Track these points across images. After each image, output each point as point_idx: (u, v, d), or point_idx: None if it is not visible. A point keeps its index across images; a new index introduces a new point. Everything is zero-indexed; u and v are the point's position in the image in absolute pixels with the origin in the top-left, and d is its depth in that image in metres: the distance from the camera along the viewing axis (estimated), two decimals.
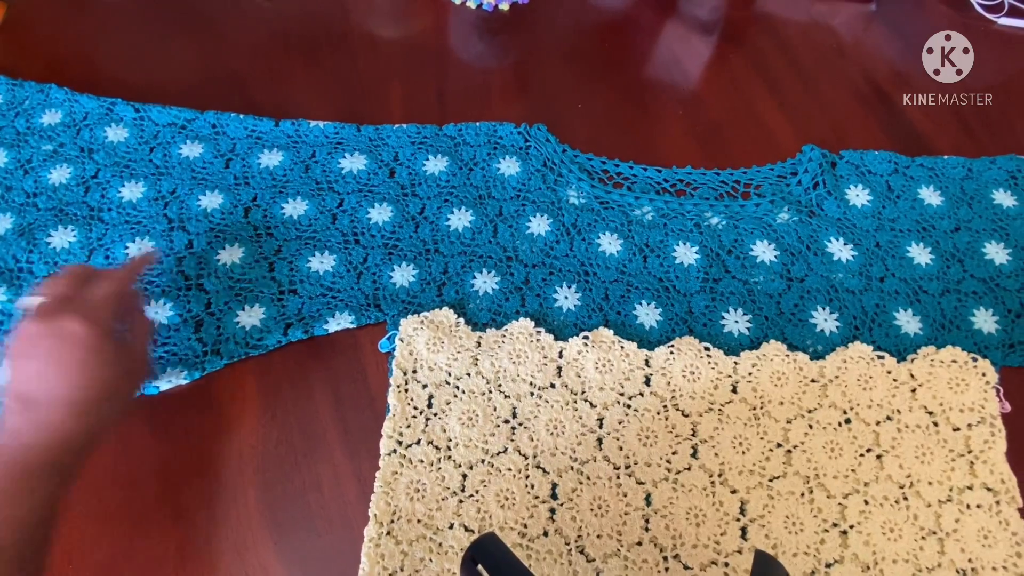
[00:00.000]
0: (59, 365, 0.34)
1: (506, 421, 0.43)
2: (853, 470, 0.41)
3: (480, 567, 0.27)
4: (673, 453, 0.42)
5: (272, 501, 0.41)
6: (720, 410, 0.43)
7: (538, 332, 0.45)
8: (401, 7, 0.67)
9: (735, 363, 0.44)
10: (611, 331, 0.45)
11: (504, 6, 0.62)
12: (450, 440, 0.42)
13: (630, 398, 0.43)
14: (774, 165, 0.55)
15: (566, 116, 0.58)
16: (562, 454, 0.42)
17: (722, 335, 0.46)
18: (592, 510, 0.40)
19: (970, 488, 0.41)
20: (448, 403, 0.43)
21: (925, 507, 0.40)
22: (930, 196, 0.53)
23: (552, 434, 0.42)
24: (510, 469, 0.41)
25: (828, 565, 0.39)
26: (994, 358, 0.45)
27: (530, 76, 0.62)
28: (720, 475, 0.41)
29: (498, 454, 0.42)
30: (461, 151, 0.55)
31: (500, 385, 0.43)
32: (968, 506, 0.40)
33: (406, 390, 0.43)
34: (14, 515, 0.32)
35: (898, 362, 0.44)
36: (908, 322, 0.47)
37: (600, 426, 0.43)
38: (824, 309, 0.47)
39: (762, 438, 0.42)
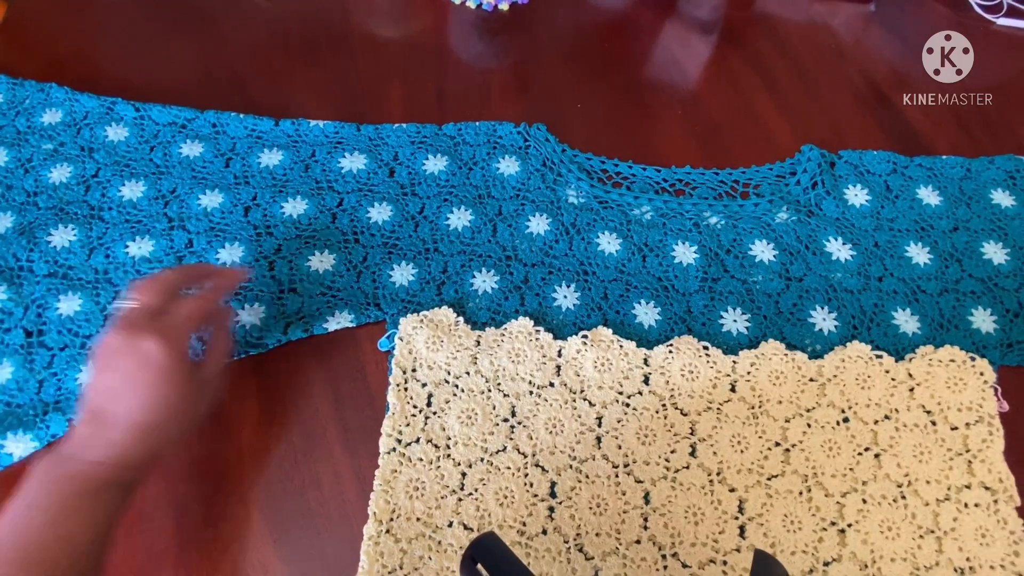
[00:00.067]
0: (132, 384, 0.34)
1: (505, 420, 0.43)
2: (851, 469, 0.41)
3: (480, 566, 0.27)
4: (672, 452, 0.42)
5: (272, 499, 0.41)
6: (719, 409, 0.43)
7: (537, 331, 0.45)
8: (401, 7, 0.67)
9: (734, 362, 0.44)
10: (610, 330, 0.45)
11: (504, 6, 0.62)
12: (449, 439, 0.42)
13: (629, 397, 0.43)
14: (773, 165, 0.55)
15: (565, 116, 0.58)
16: (561, 452, 0.42)
17: (721, 334, 0.47)
18: (591, 508, 0.40)
19: (968, 487, 0.41)
20: (447, 402, 0.43)
21: (923, 506, 0.40)
22: (929, 196, 0.53)
23: (551, 433, 0.42)
24: (509, 467, 0.41)
25: (826, 564, 0.39)
26: (992, 357, 0.45)
27: (530, 76, 0.62)
28: (718, 474, 0.41)
29: (497, 452, 0.42)
30: (461, 150, 0.55)
31: (499, 384, 0.44)
32: (966, 505, 0.40)
33: (405, 389, 0.43)
34: (73, 531, 0.32)
35: (896, 361, 0.44)
36: (906, 321, 0.47)
37: (599, 425, 0.43)
38: (823, 308, 0.47)
39: (760, 437, 0.42)
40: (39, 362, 0.44)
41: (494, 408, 0.43)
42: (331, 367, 0.46)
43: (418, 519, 0.40)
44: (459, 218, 0.51)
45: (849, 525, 0.40)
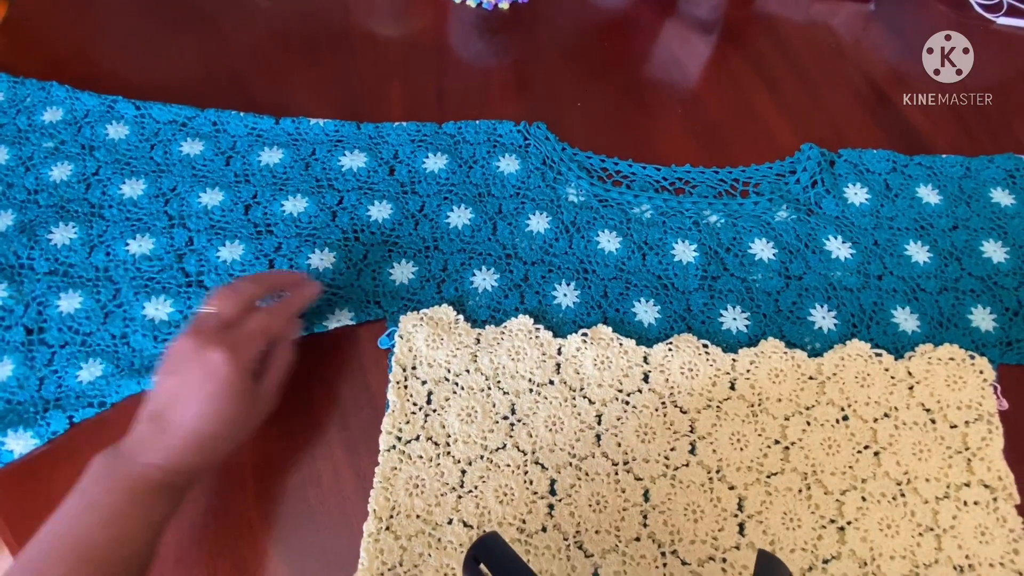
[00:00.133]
0: (195, 393, 0.35)
1: (505, 417, 0.43)
2: (851, 467, 0.41)
3: (482, 566, 0.27)
4: (671, 449, 0.42)
5: (271, 496, 0.41)
6: (718, 407, 0.43)
7: (537, 329, 0.45)
8: (401, 6, 0.67)
9: (733, 360, 0.44)
10: (610, 328, 0.45)
11: (504, 5, 0.62)
12: (449, 436, 0.42)
13: (628, 395, 0.43)
14: (773, 164, 0.55)
15: (566, 114, 0.58)
16: (560, 450, 0.42)
17: (720, 332, 0.47)
18: (590, 506, 0.40)
19: (967, 485, 0.41)
20: (447, 399, 0.43)
21: (922, 504, 0.40)
22: (928, 195, 0.53)
23: (551, 430, 0.42)
24: (509, 465, 0.41)
25: (825, 561, 0.39)
26: (992, 356, 0.45)
27: (530, 75, 0.62)
28: (718, 471, 0.41)
29: (497, 450, 0.42)
30: (461, 149, 0.55)
31: (499, 382, 0.44)
32: (965, 503, 0.40)
33: (405, 386, 0.43)
34: (127, 532, 0.32)
35: (896, 359, 0.44)
36: (906, 320, 0.47)
37: (599, 422, 0.43)
38: (822, 307, 0.47)
39: (760, 435, 0.42)
40: (39, 359, 0.44)
41: (494, 406, 0.43)
42: (331, 365, 0.46)
43: (418, 516, 0.40)
44: (459, 216, 0.51)
45: (848, 523, 0.40)
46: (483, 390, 0.43)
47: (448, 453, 0.42)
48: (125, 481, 0.33)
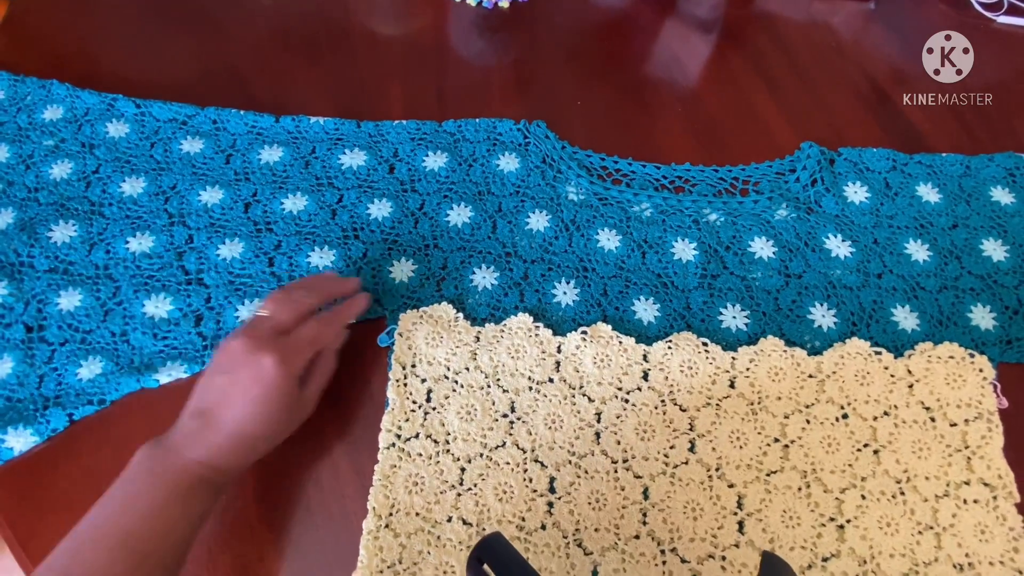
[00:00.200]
0: (243, 394, 0.36)
1: (504, 415, 0.43)
2: (850, 465, 0.41)
3: (486, 567, 0.27)
4: (671, 447, 0.42)
5: (271, 494, 0.41)
6: (718, 405, 0.43)
7: (537, 327, 0.45)
8: (401, 5, 0.67)
9: (733, 358, 0.44)
10: (609, 326, 0.45)
11: (504, 4, 0.62)
12: (448, 434, 0.42)
13: (628, 393, 0.43)
14: (772, 162, 0.55)
15: (565, 113, 0.58)
16: (560, 448, 0.42)
17: (720, 331, 0.47)
18: (590, 504, 0.40)
19: (967, 483, 0.41)
20: (447, 397, 0.43)
21: (922, 502, 0.40)
22: (928, 193, 0.53)
23: (550, 428, 0.42)
24: (508, 463, 0.41)
25: (825, 559, 0.39)
26: (991, 354, 0.45)
27: (530, 73, 0.62)
28: (717, 469, 0.41)
29: (496, 448, 0.42)
30: (461, 147, 0.55)
31: (498, 380, 0.44)
32: (965, 501, 0.40)
33: (405, 384, 0.43)
34: (169, 524, 0.33)
35: (895, 358, 0.44)
36: (905, 318, 0.47)
37: (598, 420, 0.43)
38: (822, 305, 0.47)
39: (759, 433, 0.42)
40: (39, 357, 0.44)
41: (493, 404, 0.43)
42: None
43: (417, 514, 0.40)
44: (459, 214, 0.51)
45: (848, 521, 0.40)
46: (483, 388, 0.43)
47: (447, 451, 0.42)
48: (170, 475, 0.34)
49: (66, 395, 0.43)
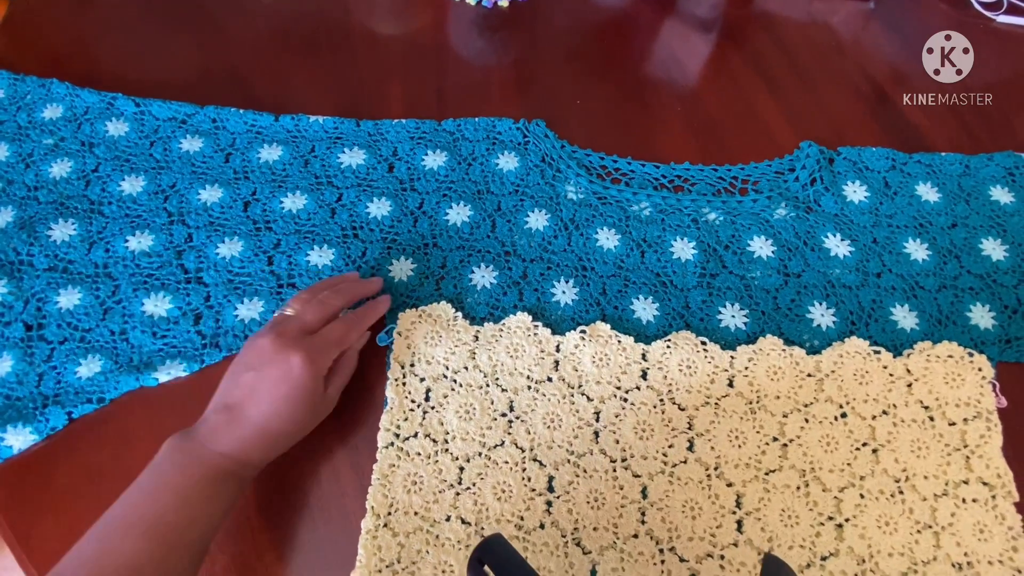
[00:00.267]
0: (270, 391, 0.36)
1: (503, 414, 0.43)
2: (849, 464, 0.41)
3: (487, 568, 0.27)
4: (669, 446, 0.42)
5: (270, 493, 0.41)
6: (716, 404, 0.43)
7: (535, 326, 0.45)
8: (401, 4, 0.67)
9: (731, 357, 0.44)
10: (608, 325, 0.45)
11: (504, 3, 0.62)
12: (447, 433, 0.42)
13: (627, 392, 0.43)
14: (772, 162, 0.55)
15: (565, 112, 0.58)
16: (559, 447, 0.42)
17: (719, 330, 0.47)
18: (588, 503, 0.40)
19: (966, 482, 0.41)
20: (445, 396, 0.43)
21: (921, 501, 0.40)
22: (927, 192, 0.53)
23: (549, 427, 0.42)
24: (507, 462, 0.41)
25: (824, 558, 0.39)
26: (991, 353, 0.45)
27: (529, 72, 0.62)
28: (716, 468, 0.41)
29: (495, 447, 0.42)
30: (460, 146, 0.55)
31: (497, 379, 0.44)
32: (964, 500, 0.40)
33: (404, 383, 0.43)
34: (196, 515, 0.34)
35: (894, 357, 0.44)
36: (904, 317, 0.47)
37: (597, 419, 0.43)
38: (821, 304, 0.47)
39: (758, 432, 0.42)
40: (39, 355, 0.44)
41: (492, 403, 0.43)
42: None
43: (416, 513, 0.40)
44: (458, 214, 0.51)
45: (847, 520, 0.40)
46: (481, 387, 0.43)
47: (446, 450, 0.42)
48: (199, 467, 0.35)
49: (65, 393, 0.43)
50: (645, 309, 0.47)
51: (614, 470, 0.41)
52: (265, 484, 0.41)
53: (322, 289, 0.42)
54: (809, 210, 0.52)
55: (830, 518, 0.40)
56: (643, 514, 0.40)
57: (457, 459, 0.41)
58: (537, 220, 0.51)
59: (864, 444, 0.42)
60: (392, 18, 0.66)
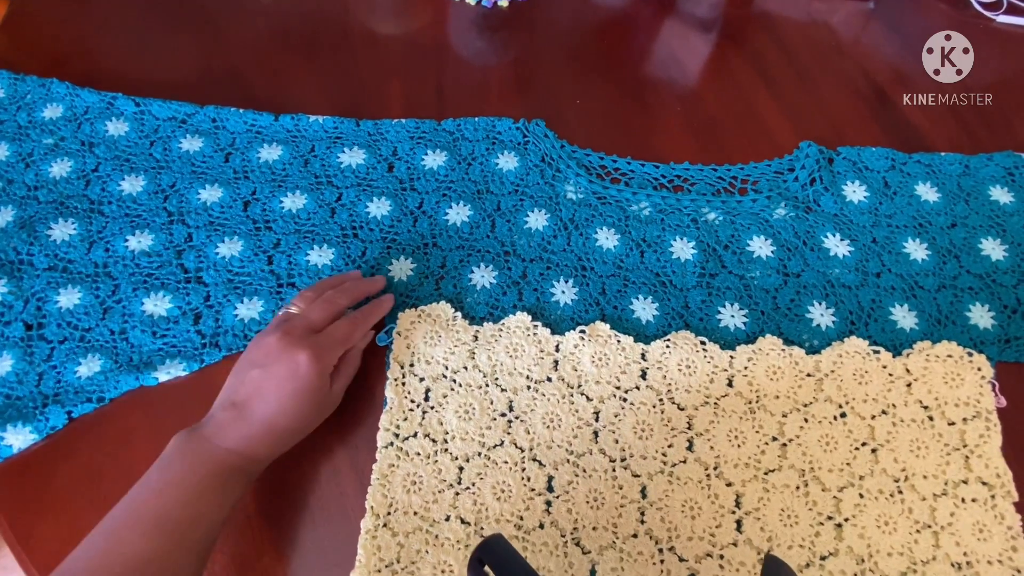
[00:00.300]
0: (278, 389, 0.37)
1: (503, 414, 0.43)
2: (848, 464, 0.41)
3: (487, 568, 0.27)
4: (669, 446, 0.42)
5: (269, 492, 0.41)
6: (716, 404, 0.43)
7: (535, 326, 0.45)
8: (401, 4, 0.67)
9: (731, 357, 0.44)
10: (608, 325, 0.45)
11: (503, 3, 0.62)
12: (447, 433, 0.42)
13: (626, 391, 0.43)
14: (771, 161, 0.55)
15: (565, 112, 0.58)
16: (558, 447, 0.42)
17: (718, 330, 0.47)
18: (588, 502, 0.40)
19: (965, 482, 0.41)
20: (445, 396, 0.43)
21: (920, 501, 0.40)
22: (927, 192, 0.53)
23: (548, 427, 0.42)
24: (506, 462, 0.41)
25: (823, 558, 0.39)
26: (990, 353, 0.45)
27: (529, 72, 0.62)
28: (715, 468, 0.41)
29: (494, 447, 0.42)
30: (460, 146, 0.55)
31: (497, 379, 0.44)
32: (963, 500, 0.40)
33: (403, 383, 0.43)
34: (203, 510, 0.34)
35: (894, 357, 0.44)
36: (904, 317, 0.47)
37: (596, 419, 0.43)
38: (820, 304, 0.47)
39: (757, 432, 0.42)
40: (39, 355, 0.44)
41: (491, 403, 0.43)
42: None
43: (415, 513, 0.40)
44: (458, 213, 0.51)
45: (846, 519, 0.40)
46: (481, 387, 0.43)
47: (446, 450, 0.42)
48: (205, 463, 0.35)
49: (65, 393, 0.43)
50: (644, 309, 0.47)
51: (613, 470, 0.41)
52: (265, 484, 0.41)
53: (326, 288, 0.43)
54: (808, 210, 0.52)
55: (829, 518, 0.40)
56: (642, 514, 0.40)
57: (456, 459, 0.41)
58: (537, 220, 0.51)
59: (863, 444, 0.42)
60: (392, 18, 0.66)
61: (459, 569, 0.38)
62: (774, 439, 0.42)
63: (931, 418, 0.42)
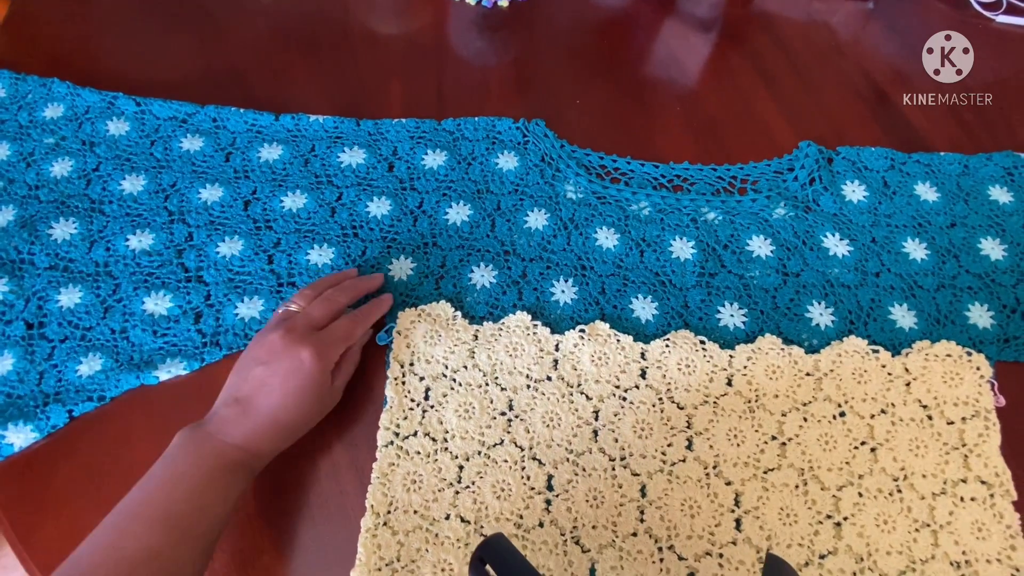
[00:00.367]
0: (281, 385, 0.37)
1: (502, 413, 0.43)
2: (847, 463, 0.41)
3: (488, 567, 0.27)
4: (668, 445, 0.42)
5: (270, 491, 0.42)
6: (715, 403, 0.43)
7: (535, 325, 0.45)
8: (401, 3, 0.67)
9: (730, 356, 0.44)
10: (607, 324, 0.45)
11: (503, 3, 0.62)
12: (447, 432, 0.42)
13: (626, 391, 0.43)
14: (771, 161, 0.55)
15: (565, 112, 0.58)
16: (558, 446, 0.42)
17: (718, 329, 0.47)
18: (587, 501, 0.40)
19: (964, 481, 0.41)
20: (445, 395, 0.43)
21: (919, 499, 0.40)
22: (926, 192, 0.53)
23: (548, 426, 0.42)
24: (506, 461, 0.41)
25: (822, 556, 0.39)
26: (989, 353, 0.45)
27: (529, 72, 0.62)
28: (715, 467, 0.41)
29: (494, 446, 0.42)
30: (460, 146, 0.55)
31: (496, 378, 0.44)
32: (962, 499, 0.40)
33: (403, 382, 0.44)
34: (209, 503, 0.35)
35: (893, 356, 0.44)
36: (903, 317, 0.47)
37: (596, 418, 0.43)
38: (819, 304, 0.48)
39: (757, 431, 0.42)
40: (40, 354, 0.44)
41: (491, 402, 0.43)
42: None
43: (415, 512, 0.40)
44: (458, 213, 0.51)
45: (845, 518, 0.40)
46: (481, 386, 0.43)
47: (446, 449, 0.42)
48: (210, 458, 0.35)
49: (66, 391, 0.43)
50: (644, 308, 0.47)
51: (613, 469, 0.41)
52: (266, 483, 0.42)
53: (324, 286, 0.43)
54: (808, 210, 0.52)
55: (828, 516, 0.40)
56: (642, 512, 0.40)
57: (456, 458, 0.41)
58: (536, 219, 0.51)
59: (862, 443, 0.42)
60: (392, 18, 0.66)
61: (459, 567, 0.38)
62: (773, 438, 0.42)
63: (930, 417, 0.43)
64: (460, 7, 0.65)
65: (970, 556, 0.39)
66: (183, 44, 0.62)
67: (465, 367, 0.44)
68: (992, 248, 0.50)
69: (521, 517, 0.40)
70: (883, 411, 0.43)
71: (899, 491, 0.41)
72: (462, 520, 0.40)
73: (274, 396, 0.37)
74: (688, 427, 0.43)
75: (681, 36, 0.66)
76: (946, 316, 0.47)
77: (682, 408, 0.43)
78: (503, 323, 0.45)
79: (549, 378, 0.44)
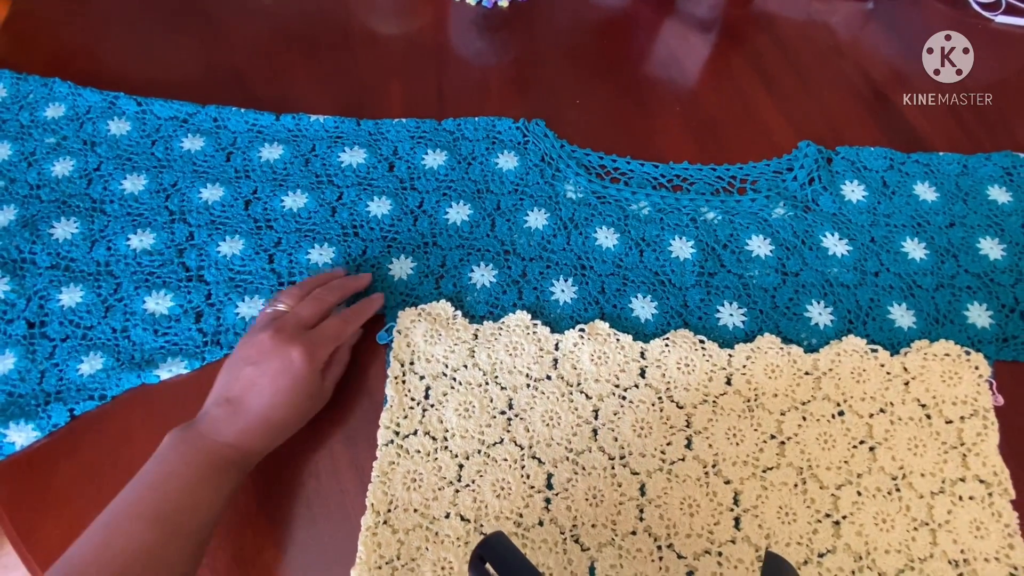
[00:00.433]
0: (272, 384, 0.38)
1: (502, 412, 0.43)
2: (846, 461, 0.41)
3: (488, 566, 0.27)
4: (667, 444, 0.42)
5: (270, 490, 0.42)
6: (714, 402, 0.43)
7: (534, 324, 0.45)
8: (402, 3, 0.67)
9: (729, 355, 0.44)
10: (607, 324, 0.45)
11: (504, 3, 0.62)
12: (447, 431, 0.42)
13: (625, 390, 0.44)
14: (770, 161, 0.56)
15: (564, 112, 0.59)
16: (557, 445, 0.42)
17: (717, 328, 0.47)
18: (587, 500, 0.40)
19: (963, 480, 0.41)
20: (445, 394, 0.43)
21: (917, 498, 0.40)
22: (925, 192, 0.53)
23: (548, 425, 0.43)
24: (506, 459, 0.41)
25: (821, 555, 0.39)
26: (988, 352, 0.45)
27: (529, 72, 0.63)
28: (714, 466, 0.41)
29: (494, 445, 0.42)
30: (460, 146, 0.55)
31: (496, 377, 0.44)
32: (961, 498, 0.40)
33: (403, 381, 0.44)
34: (201, 500, 0.35)
35: (892, 355, 0.44)
36: (902, 316, 0.47)
37: (595, 417, 0.43)
38: (819, 303, 0.48)
39: (756, 430, 0.42)
40: (41, 353, 0.44)
41: (491, 401, 0.43)
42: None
43: (415, 510, 0.40)
44: (458, 212, 0.51)
45: (844, 517, 0.40)
46: (481, 385, 0.44)
47: (446, 448, 0.42)
48: (201, 456, 0.36)
49: (67, 390, 0.43)
50: (644, 308, 0.47)
51: (612, 467, 0.41)
52: (266, 481, 0.42)
53: (312, 285, 0.43)
54: (807, 209, 0.52)
55: (827, 515, 0.40)
56: (641, 511, 0.40)
57: (456, 456, 0.42)
58: (536, 219, 0.51)
59: (861, 442, 0.42)
60: (392, 18, 0.66)
61: (459, 566, 0.38)
62: (772, 437, 0.42)
63: (929, 416, 0.43)
64: (460, 7, 0.65)
65: (968, 555, 0.39)
66: (184, 44, 0.62)
67: (465, 366, 0.44)
68: (991, 248, 0.50)
69: (521, 516, 0.40)
70: (882, 410, 0.43)
71: (898, 490, 0.41)
72: (462, 519, 0.40)
73: (264, 395, 0.37)
74: (687, 426, 0.43)
75: (681, 36, 0.66)
76: (945, 316, 0.47)
77: (681, 407, 0.43)
78: (503, 322, 0.45)
79: (549, 377, 0.44)
